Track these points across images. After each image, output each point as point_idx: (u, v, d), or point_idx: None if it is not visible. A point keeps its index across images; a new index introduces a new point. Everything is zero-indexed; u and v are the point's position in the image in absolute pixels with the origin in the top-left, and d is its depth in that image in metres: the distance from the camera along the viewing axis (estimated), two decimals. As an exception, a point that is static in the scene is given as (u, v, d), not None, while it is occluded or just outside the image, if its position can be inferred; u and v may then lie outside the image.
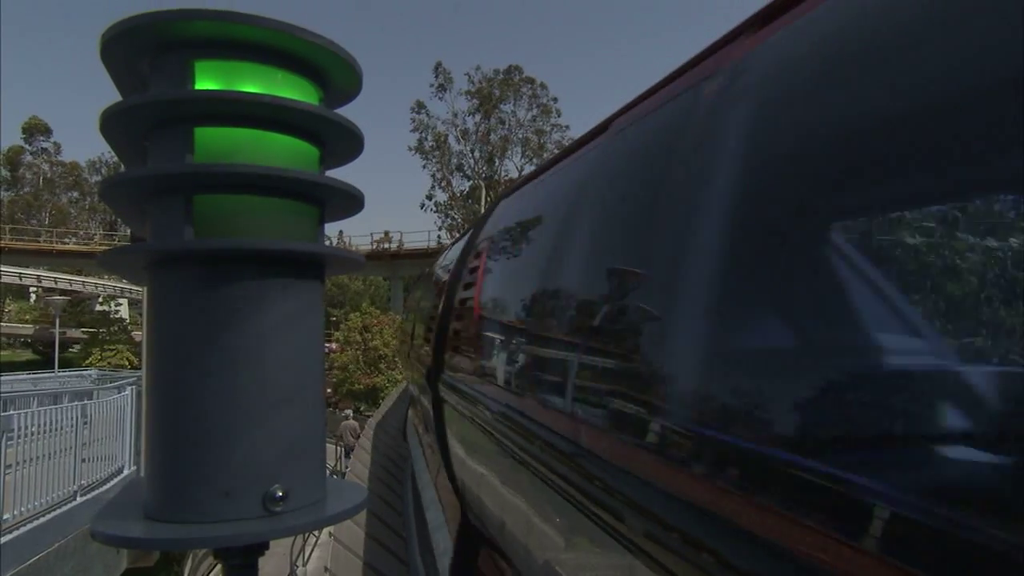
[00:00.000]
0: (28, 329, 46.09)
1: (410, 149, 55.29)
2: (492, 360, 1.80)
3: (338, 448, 18.83)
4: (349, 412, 21.86)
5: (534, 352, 1.43)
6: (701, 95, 1.03)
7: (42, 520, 8.00)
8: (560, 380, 1.21)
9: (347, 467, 16.87)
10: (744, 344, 0.75)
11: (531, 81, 54.38)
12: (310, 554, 10.55)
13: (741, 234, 0.77)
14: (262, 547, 0.91)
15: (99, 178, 57.39)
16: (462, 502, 2.51)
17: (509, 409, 1.50)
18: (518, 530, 1.58)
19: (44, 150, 60.10)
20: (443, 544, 2.90)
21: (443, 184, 56.36)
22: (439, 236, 50.24)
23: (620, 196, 1.21)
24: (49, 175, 60.13)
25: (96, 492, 9.43)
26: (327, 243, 1.04)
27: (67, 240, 49.60)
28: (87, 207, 62.18)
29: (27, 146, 59.16)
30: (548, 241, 1.56)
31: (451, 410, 2.46)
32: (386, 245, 44.89)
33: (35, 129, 59.27)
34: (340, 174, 1.03)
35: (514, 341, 1.62)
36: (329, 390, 30.65)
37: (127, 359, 34.14)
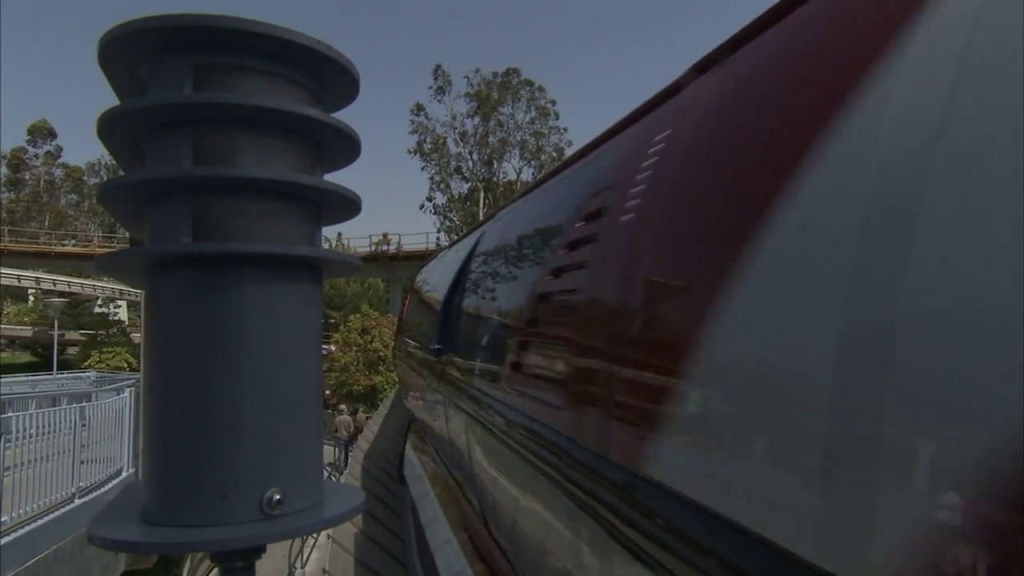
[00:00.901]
0: (27, 331, 46.01)
1: (409, 151, 55.37)
2: (403, 340, 5.36)
3: (336, 448, 18.93)
4: (343, 407, 22.69)
5: (410, 338, 4.75)
6: (475, 242, 2.90)
7: (41, 522, 7.98)
8: (421, 348, 3.90)
9: (345, 461, 17.43)
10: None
11: (529, 83, 54.43)
12: (308, 556, 10.52)
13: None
14: (259, 550, 0.91)
15: (98, 181, 57.41)
16: (410, 410, 5.41)
17: (408, 354, 4.73)
18: (426, 417, 3.86)
19: (48, 153, 60.11)
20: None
21: (441, 186, 56.38)
22: (438, 238, 50.22)
23: (453, 282, 3.00)
24: (50, 178, 60.15)
25: (95, 494, 9.40)
26: (325, 246, 1.05)
27: (66, 242, 49.56)
28: (86, 209, 62.18)
29: (30, 148, 59.17)
30: (431, 294, 3.99)
31: (399, 360, 5.81)
32: (385, 247, 44.84)
33: (40, 131, 59.19)
34: (338, 177, 1.03)
35: (408, 335, 5.04)
36: (328, 392, 30.63)
37: (126, 361, 34.10)
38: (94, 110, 0.84)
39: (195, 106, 0.89)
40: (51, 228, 53.86)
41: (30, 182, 59.46)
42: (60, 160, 60.76)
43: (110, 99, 0.95)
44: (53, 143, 59.96)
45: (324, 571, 6.17)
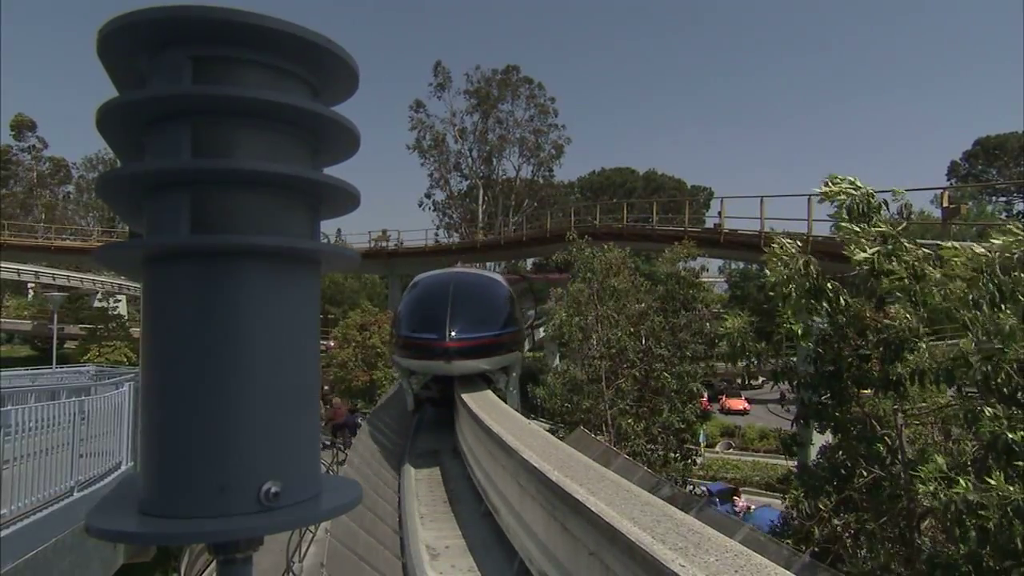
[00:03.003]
0: (26, 325, 46.01)
1: (408, 148, 55.32)
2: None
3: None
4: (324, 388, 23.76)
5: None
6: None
7: (40, 515, 7.98)
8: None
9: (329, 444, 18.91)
10: None
11: (529, 81, 54.33)
12: (306, 550, 10.55)
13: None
14: (257, 542, 0.91)
15: (95, 175, 57.43)
16: None
17: None
18: None
19: (33, 147, 60.22)
20: None
21: (441, 183, 56.37)
22: (436, 235, 50.25)
23: None
24: (39, 170, 60.23)
25: (94, 487, 9.41)
26: (324, 240, 1.05)
27: (65, 236, 49.49)
28: (82, 203, 62.25)
29: (17, 143, 59.18)
30: None
31: None
32: (384, 243, 44.82)
33: (22, 126, 59.13)
34: (338, 172, 1.03)
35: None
36: (326, 387, 30.66)
37: (125, 356, 34.10)
38: (78, 102, 0.84)
39: (194, 98, 0.89)
40: (45, 222, 53.80)
41: (24, 177, 59.53)
42: (44, 152, 61.04)
43: (100, 89, 0.94)
44: (36, 135, 60.13)
45: (322, 565, 6.18)
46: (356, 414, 25.96)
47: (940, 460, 5.58)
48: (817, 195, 6.66)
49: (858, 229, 6.11)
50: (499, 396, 13.33)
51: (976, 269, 5.38)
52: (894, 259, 5.95)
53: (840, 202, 6.40)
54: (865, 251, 5.98)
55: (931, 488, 5.34)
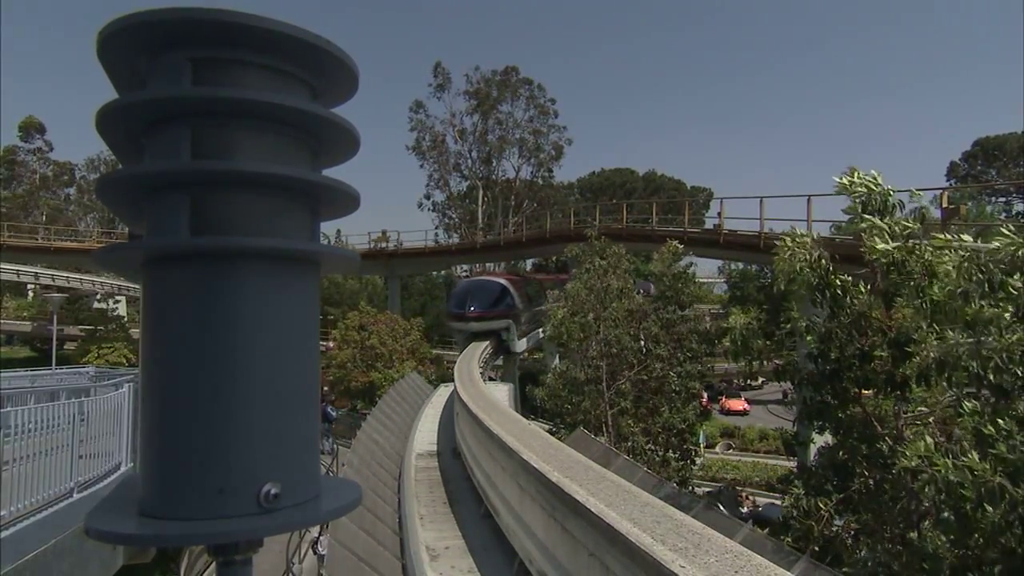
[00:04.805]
0: (26, 326, 46.02)
1: (408, 149, 55.36)
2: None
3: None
4: None
5: None
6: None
7: (39, 516, 7.98)
8: None
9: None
10: None
11: (528, 82, 54.34)
12: (306, 551, 10.57)
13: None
14: (256, 544, 0.91)
15: (97, 176, 57.46)
16: None
17: None
18: None
19: (39, 149, 60.31)
20: None
21: (440, 184, 56.42)
22: (436, 235, 50.29)
23: None
24: (46, 173, 60.30)
25: (93, 489, 9.40)
26: (324, 242, 1.05)
27: (65, 238, 49.44)
28: (82, 204, 62.32)
29: (23, 144, 59.26)
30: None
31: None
32: (383, 244, 44.80)
33: (31, 127, 59.19)
34: (337, 173, 1.03)
35: None
36: (326, 388, 30.68)
37: (124, 357, 34.10)
38: (79, 103, 0.84)
39: (193, 100, 0.89)
40: (46, 223, 53.83)
41: (27, 179, 59.61)
42: (51, 155, 61.14)
43: (100, 91, 0.94)
44: (43, 138, 60.22)
45: (321, 567, 6.17)
46: (325, 403, 26.51)
47: (929, 440, 5.58)
48: (834, 189, 6.63)
49: (882, 223, 6.07)
50: (505, 343, 31.53)
51: (967, 261, 5.38)
52: (913, 255, 5.93)
53: (859, 195, 6.38)
54: (888, 243, 5.94)
55: (914, 463, 5.36)
